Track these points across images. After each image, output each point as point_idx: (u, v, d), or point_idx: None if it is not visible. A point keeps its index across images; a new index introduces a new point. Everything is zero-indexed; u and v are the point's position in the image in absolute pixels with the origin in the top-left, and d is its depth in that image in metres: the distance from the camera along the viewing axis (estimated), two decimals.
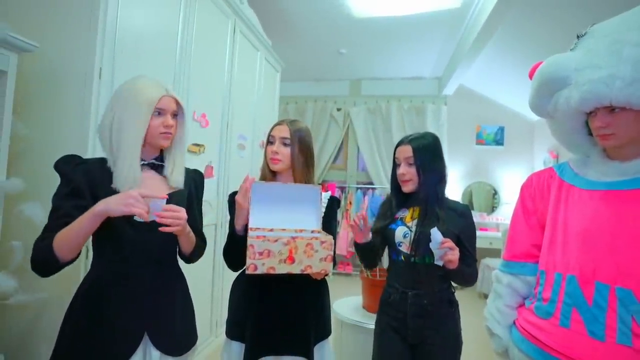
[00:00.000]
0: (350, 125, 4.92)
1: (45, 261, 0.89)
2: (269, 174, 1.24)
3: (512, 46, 3.43)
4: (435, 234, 1.11)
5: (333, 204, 1.30)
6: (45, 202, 1.40)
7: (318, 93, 5.07)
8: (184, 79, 1.92)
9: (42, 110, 1.45)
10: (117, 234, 0.95)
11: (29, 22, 1.46)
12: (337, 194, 4.69)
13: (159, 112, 1.01)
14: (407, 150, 1.25)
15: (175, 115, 1.05)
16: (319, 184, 1.34)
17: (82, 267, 1.39)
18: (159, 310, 1.00)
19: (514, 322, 0.98)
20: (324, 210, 1.25)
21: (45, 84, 1.45)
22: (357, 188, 4.84)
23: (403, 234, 1.25)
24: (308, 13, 3.20)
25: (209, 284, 2.33)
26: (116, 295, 0.95)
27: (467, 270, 1.22)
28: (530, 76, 0.98)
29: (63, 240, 0.88)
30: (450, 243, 1.11)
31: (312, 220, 1.19)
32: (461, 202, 1.43)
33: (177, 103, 1.05)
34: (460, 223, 1.24)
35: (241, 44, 2.57)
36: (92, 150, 1.41)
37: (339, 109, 4.95)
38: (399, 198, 1.32)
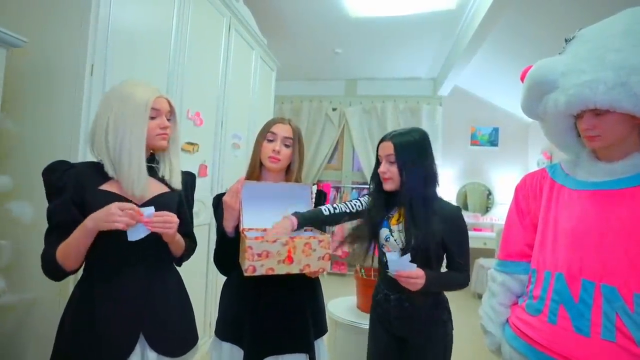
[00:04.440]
0: (346, 125, 4.92)
1: (54, 272, 0.95)
2: (258, 170, 1.21)
3: (507, 47, 3.46)
4: (392, 262, 1.05)
5: (320, 198, 1.29)
6: (35, 201, 1.38)
7: (313, 92, 5.06)
8: (178, 76, 1.90)
9: (32, 107, 1.42)
10: (112, 235, 0.94)
11: (19, 16, 1.43)
12: (332, 194, 4.69)
13: (155, 113, 1.01)
14: (388, 147, 1.18)
15: (169, 116, 1.06)
16: (314, 183, 1.34)
17: None
18: (155, 311, 1.00)
19: (507, 320, 0.99)
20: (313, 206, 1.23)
21: (35, 80, 1.42)
22: (352, 188, 4.84)
23: (385, 237, 1.22)
24: (304, 12, 3.19)
25: (202, 284, 2.32)
26: (110, 296, 0.95)
27: (454, 279, 1.16)
28: (522, 79, 1.00)
29: (64, 254, 0.93)
30: (407, 274, 1.05)
31: None
32: (455, 203, 1.38)
33: (170, 104, 1.06)
34: (445, 229, 1.14)
35: (236, 43, 2.55)
36: (83, 148, 1.38)
37: (334, 109, 4.94)
38: (381, 197, 1.25)
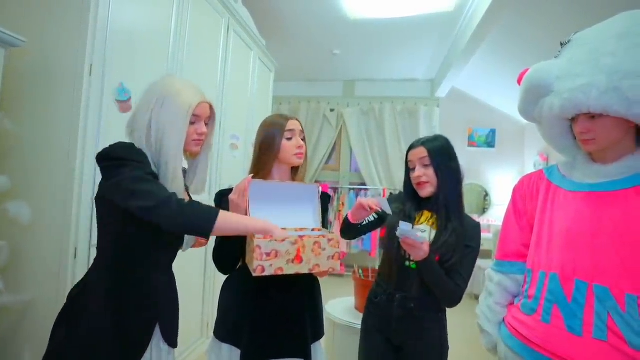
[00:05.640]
0: (344, 126, 4.92)
1: (204, 224, 0.87)
2: (269, 169, 1.18)
3: (505, 49, 3.48)
4: (402, 230, 1.05)
5: (325, 200, 1.28)
6: (32, 201, 1.38)
7: (311, 93, 5.07)
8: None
9: (31, 107, 1.42)
10: (172, 245, 0.98)
11: (18, 16, 1.43)
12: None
13: (195, 119, 0.99)
14: (421, 152, 1.21)
15: (206, 122, 1.04)
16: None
17: (68, 269, 1.36)
18: (168, 306, 1.05)
19: (503, 319, 1.01)
20: None
21: (34, 79, 1.42)
22: (350, 189, 4.84)
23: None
24: (302, 13, 3.20)
25: (199, 285, 2.31)
26: (141, 295, 0.96)
27: (449, 283, 1.13)
28: (519, 82, 1.01)
29: (226, 222, 0.90)
30: (413, 242, 1.06)
31: (310, 219, 1.17)
32: None
33: (211, 108, 1.04)
34: (466, 236, 1.17)
35: (235, 43, 2.55)
36: (81, 148, 1.38)
37: (332, 110, 4.95)
38: (414, 204, 1.26)
